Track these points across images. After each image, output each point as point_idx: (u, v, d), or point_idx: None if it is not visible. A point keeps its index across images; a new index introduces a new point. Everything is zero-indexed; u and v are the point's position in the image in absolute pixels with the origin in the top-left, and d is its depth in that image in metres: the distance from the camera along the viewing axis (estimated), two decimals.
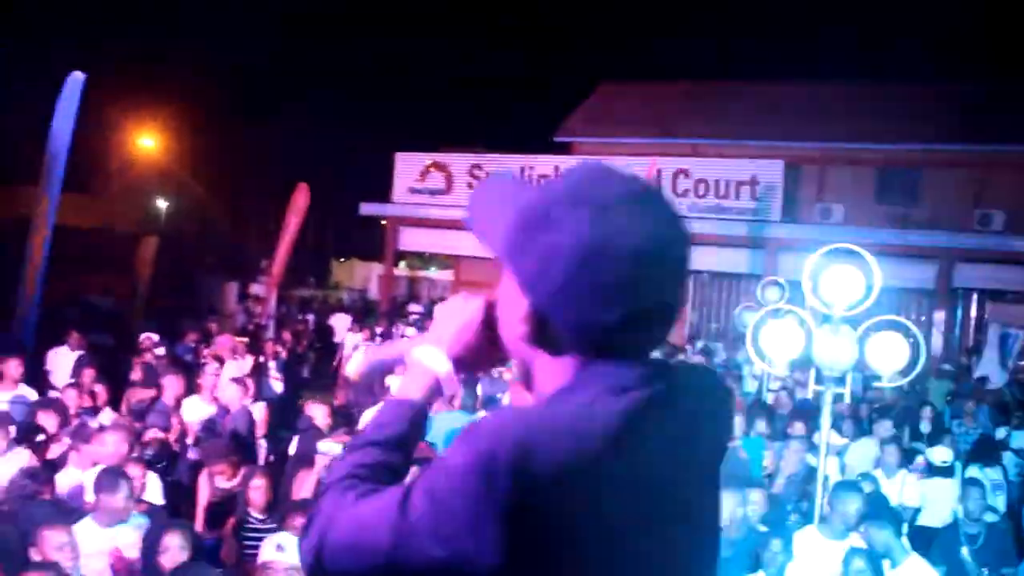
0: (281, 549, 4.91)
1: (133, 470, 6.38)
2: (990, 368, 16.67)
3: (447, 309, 1.68)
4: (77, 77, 11.72)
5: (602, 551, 1.30)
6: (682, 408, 1.42)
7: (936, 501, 8.87)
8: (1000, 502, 9.33)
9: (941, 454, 9.12)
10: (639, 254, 1.34)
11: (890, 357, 6.54)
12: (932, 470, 9.01)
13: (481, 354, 1.63)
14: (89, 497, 6.59)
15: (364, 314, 25.46)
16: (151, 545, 5.24)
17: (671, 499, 1.38)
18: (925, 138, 21.60)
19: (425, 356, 1.62)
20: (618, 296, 1.34)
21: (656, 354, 1.46)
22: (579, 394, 1.38)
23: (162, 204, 28.61)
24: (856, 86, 23.91)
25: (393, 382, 6.18)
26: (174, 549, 5.11)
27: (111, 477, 5.85)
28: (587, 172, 1.43)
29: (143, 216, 27.30)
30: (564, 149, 25.20)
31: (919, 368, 6.67)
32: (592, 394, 1.37)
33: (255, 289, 24.62)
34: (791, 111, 23.37)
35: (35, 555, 4.91)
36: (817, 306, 6.79)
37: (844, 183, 23.03)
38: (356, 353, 14.88)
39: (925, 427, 12.04)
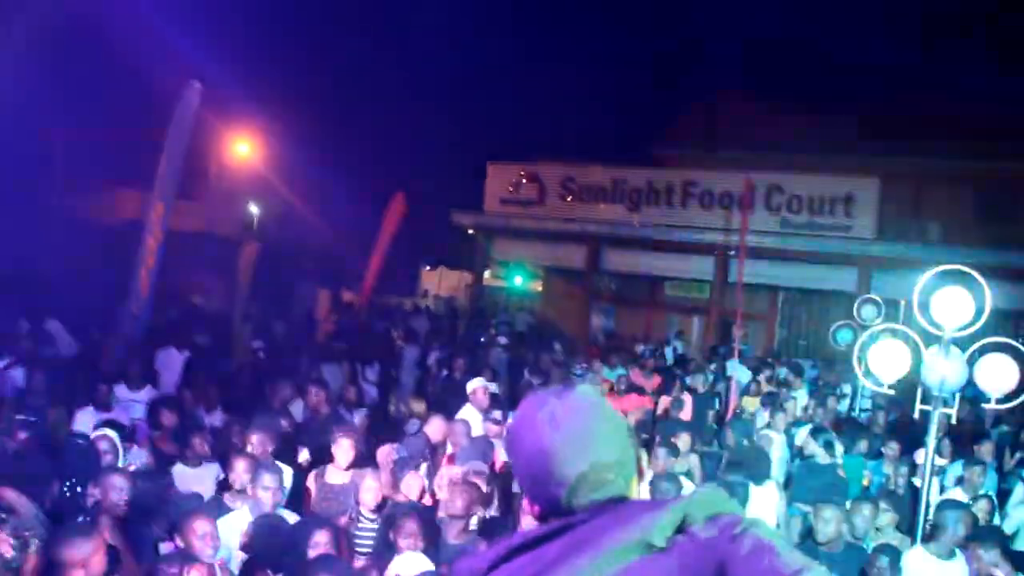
0: None
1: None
2: None
3: None
4: (194, 86, 12.10)
5: None
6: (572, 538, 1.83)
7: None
8: None
9: None
10: (537, 472, 1.94)
11: (1000, 379, 6.54)
12: None
13: None
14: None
15: (451, 320, 25.75)
16: (297, 539, 5.50)
17: None
18: None
19: None
20: (543, 495, 1.95)
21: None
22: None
23: (259, 210, 29.22)
24: (956, 101, 23.51)
25: None
26: (323, 544, 5.38)
27: (269, 467, 6.23)
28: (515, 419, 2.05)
29: (242, 222, 27.95)
30: (660, 162, 25.22)
31: None
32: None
33: (348, 296, 25.03)
34: (888, 127, 23.13)
35: (179, 542, 5.20)
36: (927, 326, 6.80)
37: (941, 200, 22.74)
38: None
39: None
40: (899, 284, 16.96)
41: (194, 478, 7.64)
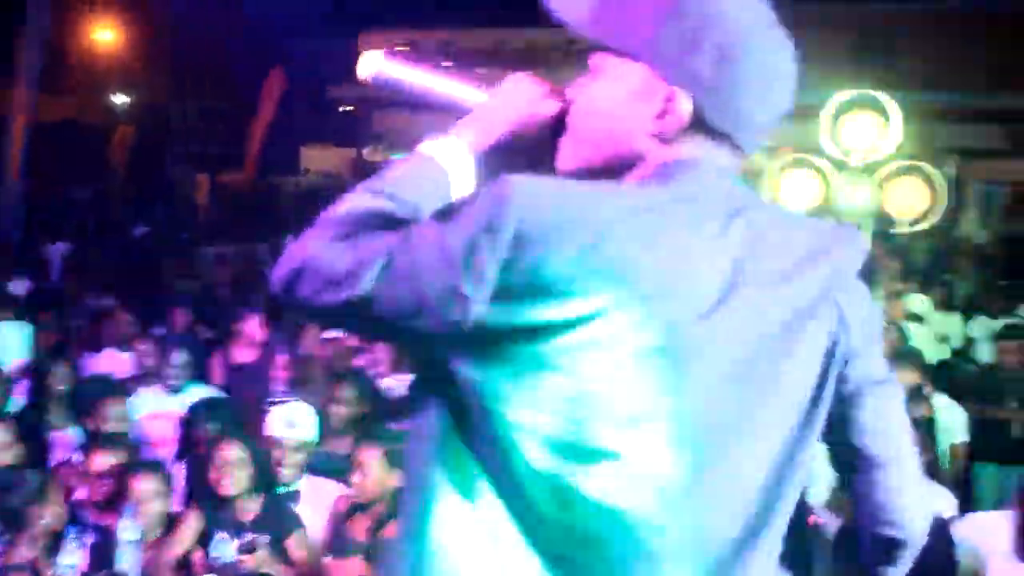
0: (291, 426, 4.75)
1: None
2: (972, 226, 16.92)
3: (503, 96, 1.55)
4: None
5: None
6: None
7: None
8: None
9: (916, 303, 9.37)
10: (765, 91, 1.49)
11: (909, 203, 6.61)
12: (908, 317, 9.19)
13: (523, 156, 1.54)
14: None
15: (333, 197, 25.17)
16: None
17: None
18: None
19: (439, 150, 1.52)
20: (724, 113, 1.47)
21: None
22: None
23: (127, 97, 28.01)
24: None
25: None
26: None
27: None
28: None
29: (109, 110, 26.75)
30: (541, 22, 24.70)
31: (938, 215, 6.71)
32: None
33: (226, 178, 24.29)
34: None
35: (89, 426, 5.02)
36: (835, 154, 6.79)
37: (814, 46, 22.79)
38: None
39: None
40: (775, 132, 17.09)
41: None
